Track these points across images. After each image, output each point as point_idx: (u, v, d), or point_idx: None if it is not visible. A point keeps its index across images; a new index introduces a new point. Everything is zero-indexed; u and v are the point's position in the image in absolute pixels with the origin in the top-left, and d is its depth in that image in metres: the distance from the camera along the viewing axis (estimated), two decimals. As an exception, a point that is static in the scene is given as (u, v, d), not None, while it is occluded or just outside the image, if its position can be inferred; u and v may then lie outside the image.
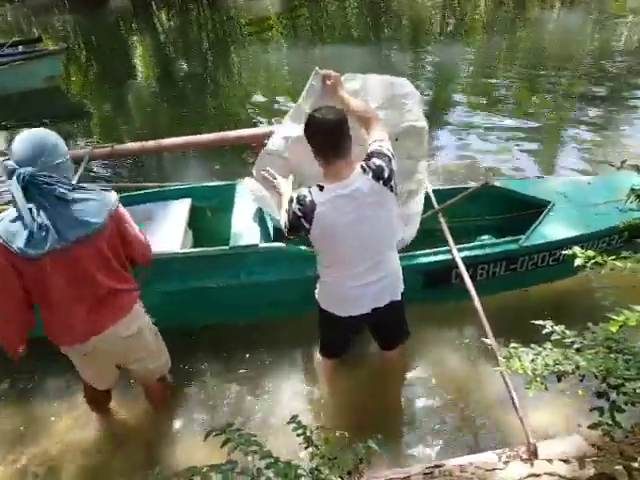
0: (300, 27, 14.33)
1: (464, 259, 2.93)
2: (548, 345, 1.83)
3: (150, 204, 3.62)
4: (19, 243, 1.95)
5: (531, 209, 3.43)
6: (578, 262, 1.92)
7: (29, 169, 1.95)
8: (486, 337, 2.40)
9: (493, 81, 8.11)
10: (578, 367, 1.72)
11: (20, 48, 9.71)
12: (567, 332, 1.88)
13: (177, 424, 2.83)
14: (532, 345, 1.82)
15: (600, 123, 6.36)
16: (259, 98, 8.43)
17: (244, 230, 3.19)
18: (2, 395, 3.08)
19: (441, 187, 3.84)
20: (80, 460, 2.70)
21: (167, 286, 3.05)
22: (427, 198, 3.22)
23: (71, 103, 9.65)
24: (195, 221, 3.60)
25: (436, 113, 6.90)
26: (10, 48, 9.49)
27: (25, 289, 2.09)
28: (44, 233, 1.96)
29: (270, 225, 3.52)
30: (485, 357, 2.94)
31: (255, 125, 7.12)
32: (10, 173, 1.96)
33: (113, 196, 2.19)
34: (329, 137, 2.16)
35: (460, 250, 3.00)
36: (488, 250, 3.15)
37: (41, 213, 1.96)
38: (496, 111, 6.96)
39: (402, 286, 2.53)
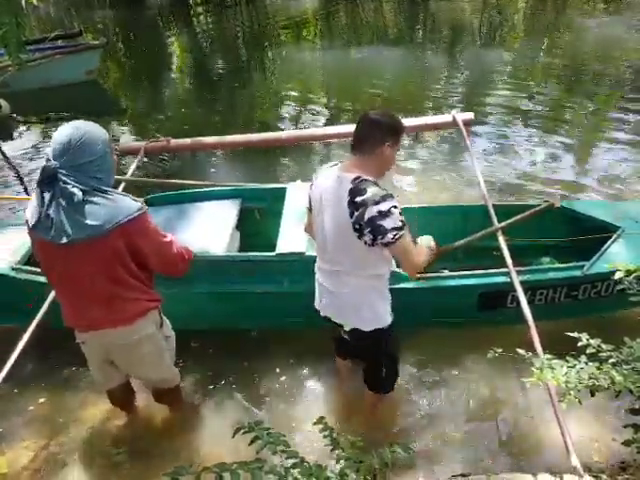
0: (336, 27, 14.33)
1: (523, 283, 2.75)
2: (583, 358, 1.80)
3: (199, 203, 3.61)
4: (32, 222, 2.04)
5: (598, 232, 3.18)
6: (618, 275, 1.88)
7: (56, 164, 1.98)
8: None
9: (537, 88, 7.90)
10: (614, 382, 1.69)
11: (60, 42, 9.92)
12: (603, 346, 1.84)
13: (203, 422, 2.86)
14: (567, 358, 1.79)
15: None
16: (293, 97, 8.46)
17: (292, 236, 3.09)
18: (42, 383, 3.13)
19: (501, 203, 3.62)
20: (107, 451, 2.73)
21: (209, 287, 3.03)
22: (486, 214, 3.10)
23: (108, 97, 9.83)
24: (244, 222, 3.56)
25: (477, 121, 6.69)
26: (51, 42, 9.71)
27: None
28: (49, 224, 2.00)
29: None
30: (522, 370, 2.86)
31: (289, 124, 7.16)
32: (46, 161, 2.01)
33: (132, 207, 2.07)
34: (357, 130, 2.16)
35: (519, 273, 2.82)
36: (549, 275, 2.99)
37: (52, 205, 1.99)
38: (542, 120, 6.76)
39: (365, 321, 2.29)
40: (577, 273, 2.94)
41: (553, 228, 3.38)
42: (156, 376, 2.56)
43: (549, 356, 1.81)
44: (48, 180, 1.99)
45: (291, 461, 1.59)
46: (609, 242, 3.05)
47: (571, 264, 3.01)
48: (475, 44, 11.34)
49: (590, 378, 1.71)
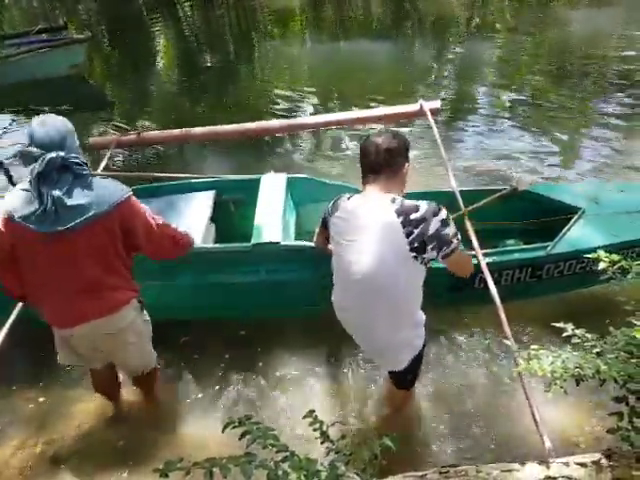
0: (324, 20, 14.26)
1: (489, 265, 2.80)
2: (568, 348, 1.82)
3: (173, 195, 3.59)
4: (21, 214, 2.03)
5: (560, 214, 3.30)
6: (602, 266, 1.90)
7: (61, 153, 2.02)
8: (507, 340, 2.36)
9: (517, 80, 7.97)
10: (598, 371, 1.70)
11: (44, 36, 9.80)
12: (588, 336, 1.86)
13: (193, 417, 2.86)
14: (552, 348, 1.81)
15: (626, 126, 6.17)
16: (280, 90, 8.42)
17: (267, 226, 3.12)
18: (27, 380, 3.13)
19: (467, 188, 3.73)
20: (96, 448, 2.74)
21: (186, 280, 3.05)
22: (453, 199, 3.14)
23: (94, 91, 9.75)
24: (219, 214, 3.56)
25: (459, 112, 6.80)
26: (35, 35, 9.60)
27: (16, 260, 2.15)
28: (45, 217, 2.01)
29: (293, 222, 3.49)
30: (504, 361, 2.92)
31: (275, 117, 7.12)
32: (34, 159, 2.01)
33: (122, 189, 2.18)
34: (372, 158, 2.09)
35: (486, 255, 2.89)
36: (514, 256, 3.08)
37: (50, 197, 2.00)
38: (520, 111, 6.83)
39: (404, 359, 2.26)
40: (541, 253, 3.05)
41: (518, 211, 3.47)
42: (138, 362, 2.58)
43: (535, 346, 1.82)
44: (52, 171, 2.00)
45: (281, 455, 1.60)
46: (570, 223, 3.17)
47: (535, 245, 3.12)
48: (461, 37, 11.32)
49: (576, 367, 1.73)
